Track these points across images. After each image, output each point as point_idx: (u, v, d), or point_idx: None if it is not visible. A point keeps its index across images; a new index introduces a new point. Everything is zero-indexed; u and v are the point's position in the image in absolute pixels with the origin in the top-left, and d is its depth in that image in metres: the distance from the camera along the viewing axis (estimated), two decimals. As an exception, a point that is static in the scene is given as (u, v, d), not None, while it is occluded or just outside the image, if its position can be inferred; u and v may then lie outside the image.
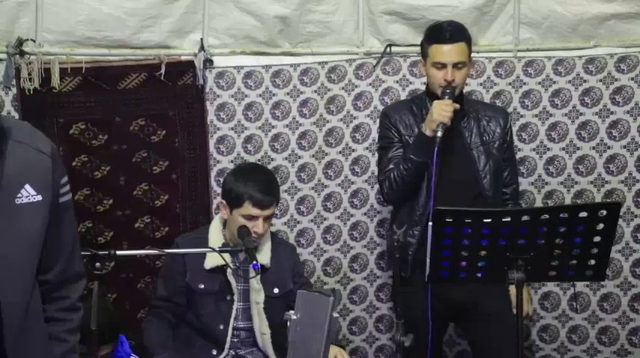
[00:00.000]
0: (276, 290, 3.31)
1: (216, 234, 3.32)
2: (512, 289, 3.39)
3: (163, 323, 3.30)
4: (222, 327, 3.26)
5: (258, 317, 3.26)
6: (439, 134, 3.20)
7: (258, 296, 3.26)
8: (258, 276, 3.21)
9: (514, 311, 3.41)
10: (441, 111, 3.23)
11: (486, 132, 3.43)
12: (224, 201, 3.29)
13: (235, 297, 3.27)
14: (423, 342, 3.22)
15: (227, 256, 3.18)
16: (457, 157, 3.37)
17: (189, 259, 3.26)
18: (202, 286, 3.26)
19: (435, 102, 3.28)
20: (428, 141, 3.24)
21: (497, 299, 3.33)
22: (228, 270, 3.21)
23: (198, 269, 3.25)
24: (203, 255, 3.24)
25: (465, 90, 3.58)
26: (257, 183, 3.22)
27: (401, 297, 3.24)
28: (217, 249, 3.12)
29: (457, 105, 3.28)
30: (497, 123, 3.45)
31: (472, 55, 3.81)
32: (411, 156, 3.31)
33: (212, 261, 3.22)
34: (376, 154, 3.95)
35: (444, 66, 3.30)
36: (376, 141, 3.94)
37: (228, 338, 3.26)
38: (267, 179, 3.32)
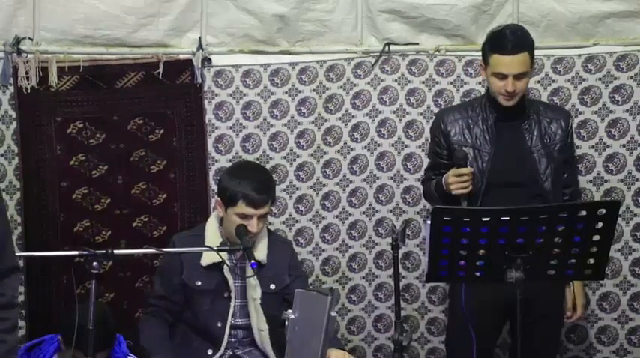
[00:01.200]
0: (272, 286, 3.30)
1: (212, 232, 3.31)
2: (571, 290, 3.46)
3: (160, 322, 3.29)
4: (219, 325, 3.25)
5: (256, 313, 3.25)
6: (464, 204, 3.20)
7: (254, 293, 3.25)
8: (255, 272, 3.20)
9: (567, 313, 3.48)
10: (457, 184, 3.23)
11: (547, 134, 3.38)
12: (219, 199, 3.28)
13: (232, 294, 3.26)
14: (474, 340, 3.22)
15: (224, 253, 3.17)
16: (518, 159, 3.34)
17: (185, 256, 3.26)
18: (199, 283, 3.26)
19: (450, 172, 3.27)
20: (450, 195, 3.26)
21: (549, 301, 3.35)
22: (225, 267, 3.20)
23: (194, 267, 3.25)
24: (199, 253, 3.24)
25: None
26: (251, 182, 3.20)
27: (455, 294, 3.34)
28: (215, 248, 3.11)
29: (471, 169, 3.25)
30: (559, 124, 3.41)
31: (472, 53, 3.83)
32: (437, 195, 3.38)
33: (209, 258, 3.22)
34: (374, 153, 3.96)
35: (505, 76, 3.23)
36: (374, 139, 3.96)
37: (226, 336, 3.25)
38: (262, 178, 3.31)
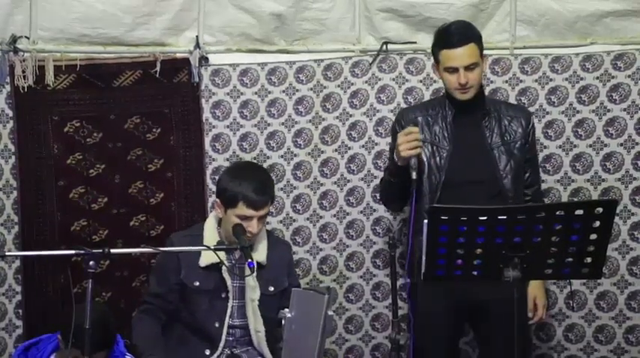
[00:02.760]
0: (271, 289, 3.30)
1: (211, 232, 3.31)
2: (530, 290, 3.44)
3: (153, 321, 3.28)
4: (217, 325, 3.24)
5: (253, 314, 3.25)
6: (414, 174, 3.15)
7: (253, 294, 3.25)
8: (255, 273, 3.19)
9: (529, 314, 3.47)
10: (406, 144, 3.19)
11: (508, 132, 3.38)
12: (218, 200, 3.27)
13: (230, 295, 3.25)
14: (436, 341, 3.24)
15: (222, 253, 3.16)
16: (477, 156, 3.34)
17: (183, 256, 3.25)
18: (197, 283, 3.25)
19: (399, 135, 3.24)
20: (400, 168, 3.24)
21: (508, 299, 3.33)
22: (223, 268, 3.19)
23: (193, 267, 3.24)
24: (198, 253, 3.23)
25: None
26: (251, 183, 3.19)
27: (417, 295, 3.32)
28: (212, 247, 3.11)
29: (417, 131, 3.22)
30: (520, 123, 3.41)
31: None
32: (389, 179, 3.35)
33: (207, 258, 3.21)
34: (372, 152, 3.96)
35: (455, 70, 3.26)
36: (371, 138, 3.95)
37: (224, 337, 3.25)
38: (262, 179, 3.30)
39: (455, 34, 3.28)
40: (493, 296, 3.14)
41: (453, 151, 3.32)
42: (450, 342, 3.42)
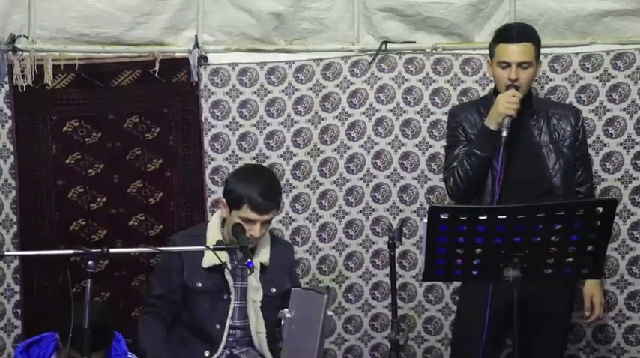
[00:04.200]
0: (273, 290, 3.29)
1: (214, 232, 3.29)
2: (587, 289, 3.45)
3: (159, 323, 3.27)
4: (218, 327, 3.23)
5: (255, 315, 3.24)
6: (504, 132, 3.19)
7: (255, 295, 3.24)
8: (258, 274, 3.19)
9: (586, 313, 3.48)
10: (506, 103, 3.23)
11: (556, 130, 3.40)
12: (224, 201, 3.25)
13: (232, 296, 3.24)
14: (479, 340, 3.22)
15: (225, 254, 3.15)
16: (526, 156, 3.35)
17: (186, 257, 3.23)
18: (199, 285, 3.24)
19: (500, 95, 3.28)
20: (492, 134, 3.25)
21: (555, 299, 3.33)
22: (226, 270, 3.18)
23: (196, 268, 3.23)
24: (201, 253, 3.22)
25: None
26: (258, 187, 3.17)
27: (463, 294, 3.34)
28: (212, 247, 3.10)
29: (520, 95, 3.25)
30: (568, 121, 3.43)
31: (469, 52, 3.82)
32: (475, 151, 3.31)
33: (210, 259, 3.19)
34: (371, 152, 3.95)
35: (508, 65, 3.29)
36: (370, 138, 3.95)
37: (224, 338, 3.24)
38: (270, 184, 3.27)
39: (515, 29, 3.36)
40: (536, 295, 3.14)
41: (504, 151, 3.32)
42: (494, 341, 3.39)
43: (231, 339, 3.27)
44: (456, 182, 3.36)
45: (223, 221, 3.30)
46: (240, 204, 3.16)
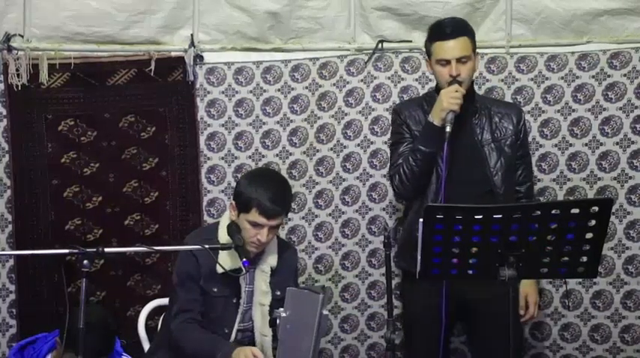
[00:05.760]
0: (278, 293, 3.25)
1: (223, 231, 3.23)
2: (522, 288, 3.44)
3: (197, 325, 3.18)
4: (226, 330, 3.19)
5: (262, 319, 3.19)
6: (448, 127, 3.18)
7: (264, 299, 3.20)
8: (268, 278, 3.17)
9: (521, 312, 3.46)
10: (450, 98, 3.22)
11: (498, 129, 3.39)
12: (233, 203, 3.21)
13: (242, 300, 3.22)
14: (427, 340, 3.23)
15: (237, 260, 3.09)
16: (468, 154, 3.34)
17: (202, 263, 3.17)
18: (215, 290, 3.19)
19: (443, 90, 3.27)
20: (436, 130, 3.24)
21: (504, 299, 3.32)
22: (241, 276, 3.15)
23: (211, 274, 3.16)
24: (214, 261, 3.15)
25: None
26: (268, 191, 3.11)
27: (408, 294, 3.32)
28: (207, 247, 3.07)
29: (463, 90, 3.25)
30: (510, 119, 3.42)
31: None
32: (420, 147, 3.30)
33: (225, 265, 3.12)
34: (367, 151, 3.95)
35: (448, 62, 3.28)
36: (367, 137, 3.94)
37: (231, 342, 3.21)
38: (280, 189, 3.20)
39: (448, 26, 3.32)
40: (481, 295, 3.15)
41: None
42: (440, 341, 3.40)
43: (233, 341, 3.25)
44: (402, 179, 3.35)
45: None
46: (249, 208, 3.11)
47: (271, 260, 3.22)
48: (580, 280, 3.83)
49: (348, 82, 3.94)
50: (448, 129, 3.19)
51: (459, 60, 3.27)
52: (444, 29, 3.31)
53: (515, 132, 3.41)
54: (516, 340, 3.37)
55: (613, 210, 3.71)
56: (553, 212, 2.62)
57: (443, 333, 3.22)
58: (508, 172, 3.37)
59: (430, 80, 3.89)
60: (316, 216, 3.99)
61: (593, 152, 3.86)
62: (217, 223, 3.29)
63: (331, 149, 3.97)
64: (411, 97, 3.83)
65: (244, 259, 2.98)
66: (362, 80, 3.94)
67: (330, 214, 3.99)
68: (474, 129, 3.37)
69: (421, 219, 2.64)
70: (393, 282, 3.33)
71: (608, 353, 3.92)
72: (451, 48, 3.27)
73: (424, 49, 3.44)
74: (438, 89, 3.38)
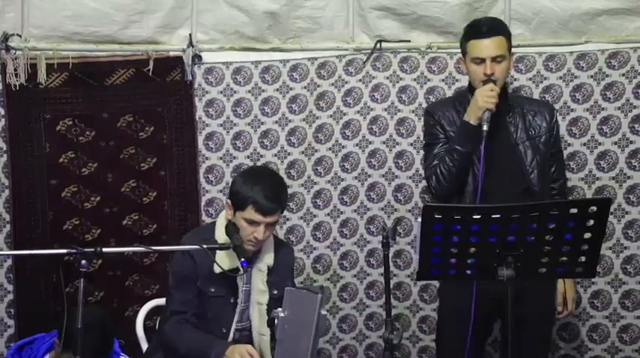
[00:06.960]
0: (275, 292, 3.25)
1: (220, 231, 3.24)
2: (560, 285, 3.44)
3: (190, 326, 3.17)
4: (224, 330, 3.19)
5: (260, 318, 3.19)
6: (485, 126, 3.19)
7: (262, 298, 3.19)
8: (265, 277, 3.17)
9: (558, 308, 3.47)
10: (485, 97, 3.22)
11: (532, 126, 3.40)
12: (229, 202, 3.21)
13: (239, 300, 3.21)
14: (457, 341, 3.22)
15: (235, 260, 3.09)
16: (503, 153, 3.34)
17: (199, 263, 3.17)
18: (213, 290, 3.19)
19: (478, 89, 3.28)
20: (472, 129, 3.24)
21: (540, 299, 3.33)
22: (238, 276, 3.14)
23: (208, 274, 3.15)
24: (211, 261, 3.15)
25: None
26: (263, 189, 3.11)
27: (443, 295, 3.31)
28: (205, 247, 3.07)
29: (498, 89, 3.25)
30: (543, 117, 3.43)
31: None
32: (456, 147, 3.30)
33: (223, 265, 3.11)
34: (365, 150, 3.95)
35: (482, 60, 3.29)
36: (365, 137, 3.94)
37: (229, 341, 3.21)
38: (275, 186, 3.20)
39: (485, 25, 3.34)
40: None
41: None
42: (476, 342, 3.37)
43: (230, 341, 3.24)
44: (439, 180, 3.35)
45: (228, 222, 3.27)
46: (244, 206, 3.12)
47: (268, 259, 3.21)
48: (578, 280, 3.83)
49: (346, 82, 3.94)
50: (485, 127, 3.20)
51: (493, 59, 3.28)
52: (480, 27, 3.33)
53: (549, 129, 3.42)
54: (544, 341, 3.42)
55: (611, 210, 3.71)
56: (551, 212, 2.63)
57: (470, 334, 3.19)
58: (543, 169, 3.37)
59: (428, 80, 3.89)
60: (315, 216, 3.99)
61: (592, 152, 3.86)
62: (214, 223, 3.29)
63: (330, 149, 3.97)
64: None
65: (242, 259, 2.97)
66: (360, 80, 3.93)
67: (328, 214, 3.99)
68: (508, 128, 3.37)
69: (419, 219, 2.64)
70: (392, 282, 3.34)
71: (607, 353, 3.91)
72: (486, 46, 3.28)
73: (459, 47, 3.43)
74: (470, 88, 3.39)
